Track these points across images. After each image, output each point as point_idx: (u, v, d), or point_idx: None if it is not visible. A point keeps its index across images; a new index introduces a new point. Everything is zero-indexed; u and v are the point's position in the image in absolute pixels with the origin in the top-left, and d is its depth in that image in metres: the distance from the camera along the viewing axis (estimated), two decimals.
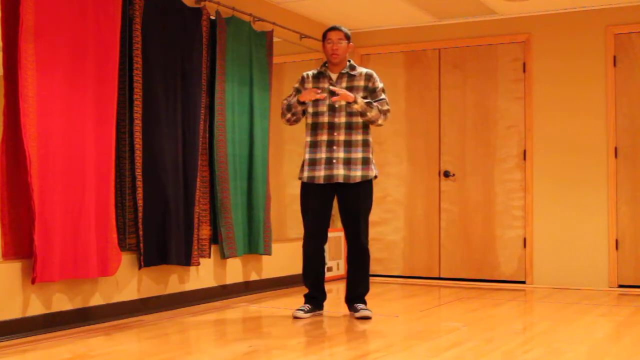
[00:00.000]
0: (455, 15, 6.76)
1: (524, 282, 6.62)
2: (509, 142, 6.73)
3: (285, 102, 4.91)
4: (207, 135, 5.44)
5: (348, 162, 4.74)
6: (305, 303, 4.88)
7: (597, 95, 6.41)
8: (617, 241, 6.32)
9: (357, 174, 4.74)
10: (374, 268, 7.17)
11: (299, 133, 7.12)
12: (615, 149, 6.34)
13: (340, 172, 4.73)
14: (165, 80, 5.03)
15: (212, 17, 5.50)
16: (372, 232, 7.18)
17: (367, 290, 4.89)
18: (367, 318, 4.71)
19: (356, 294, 4.85)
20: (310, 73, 4.94)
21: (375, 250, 7.18)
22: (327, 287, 6.05)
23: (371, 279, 6.98)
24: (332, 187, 4.79)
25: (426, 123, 7.04)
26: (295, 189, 7.29)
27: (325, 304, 4.99)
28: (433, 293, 6.19)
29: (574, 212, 6.47)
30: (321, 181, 4.75)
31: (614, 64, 6.36)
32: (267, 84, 6.07)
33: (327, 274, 6.70)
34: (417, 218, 7.06)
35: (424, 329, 4.45)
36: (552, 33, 6.59)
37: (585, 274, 6.39)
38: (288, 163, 7.31)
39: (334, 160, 4.74)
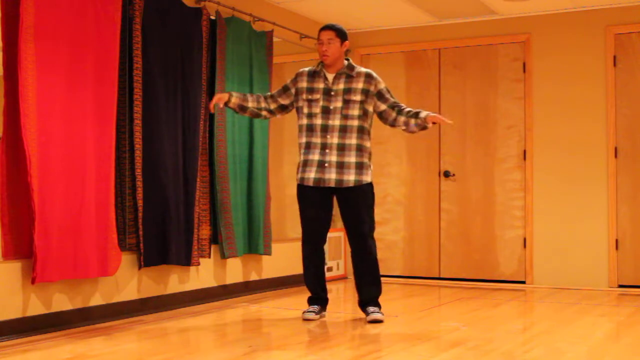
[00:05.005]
0: (455, 15, 6.76)
1: (524, 282, 6.62)
2: (509, 142, 6.73)
3: (261, 94, 4.83)
4: (207, 135, 5.44)
5: (341, 166, 4.57)
6: (312, 305, 4.76)
7: (597, 95, 6.41)
8: (617, 241, 6.32)
9: (350, 178, 4.57)
10: None
11: None
12: (615, 149, 6.34)
13: (332, 176, 4.58)
14: (165, 80, 5.03)
15: (212, 17, 5.50)
16: None
17: (378, 294, 4.72)
18: (378, 322, 4.57)
19: (367, 298, 4.70)
20: (306, 70, 4.75)
21: None
22: (327, 286, 6.03)
23: None
24: (328, 190, 4.65)
25: None
26: (295, 189, 7.30)
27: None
28: (433, 293, 6.19)
29: (574, 212, 6.47)
30: (310, 183, 4.61)
31: (614, 64, 6.36)
32: (267, 84, 6.07)
33: (327, 274, 6.70)
34: (417, 218, 7.06)
35: (424, 329, 4.45)
36: (552, 33, 6.59)
37: (585, 274, 6.39)
38: (288, 163, 7.31)
39: (326, 164, 4.58)
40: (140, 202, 4.79)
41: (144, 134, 4.85)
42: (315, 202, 4.67)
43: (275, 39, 6.23)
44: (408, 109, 4.65)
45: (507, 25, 6.75)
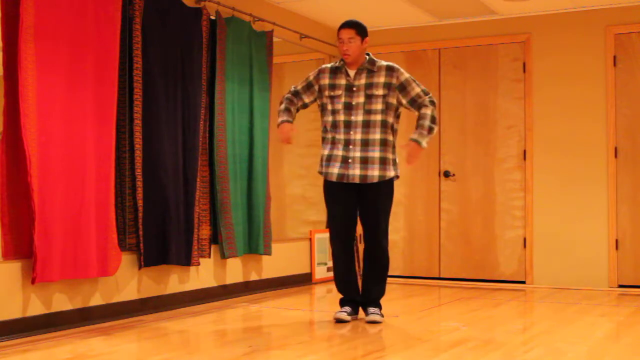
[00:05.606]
0: (455, 15, 6.76)
1: (524, 282, 6.62)
2: (509, 142, 6.74)
3: (288, 96, 4.74)
4: (207, 135, 5.44)
5: (365, 162, 4.53)
6: (343, 306, 4.70)
7: (597, 95, 6.41)
8: (617, 241, 6.32)
9: (375, 173, 4.53)
10: None
11: (299, 133, 7.13)
12: (615, 149, 6.34)
13: (356, 172, 4.53)
14: (165, 80, 5.03)
15: (212, 17, 5.50)
16: None
17: (381, 294, 4.72)
18: (376, 322, 4.57)
19: (369, 299, 4.69)
20: (328, 66, 4.70)
21: None
22: (326, 287, 6.03)
23: None
24: (352, 186, 4.60)
25: None
26: (295, 189, 7.31)
27: (326, 304, 4.97)
28: (433, 293, 6.19)
29: (574, 212, 6.47)
30: (333, 179, 4.58)
31: (614, 64, 6.36)
32: (267, 84, 6.07)
33: (327, 274, 6.70)
34: (417, 218, 7.06)
35: (424, 329, 4.45)
36: (552, 33, 6.59)
37: (585, 274, 6.39)
38: (288, 163, 7.31)
39: (350, 160, 4.54)
40: (140, 202, 4.79)
41: (144, 134, 4.85)
42: (339, 199, 4.63)
43: (275, 39, 6.23)
44: (420, 118, 4.58)
45: (507, 25, 6.75)
